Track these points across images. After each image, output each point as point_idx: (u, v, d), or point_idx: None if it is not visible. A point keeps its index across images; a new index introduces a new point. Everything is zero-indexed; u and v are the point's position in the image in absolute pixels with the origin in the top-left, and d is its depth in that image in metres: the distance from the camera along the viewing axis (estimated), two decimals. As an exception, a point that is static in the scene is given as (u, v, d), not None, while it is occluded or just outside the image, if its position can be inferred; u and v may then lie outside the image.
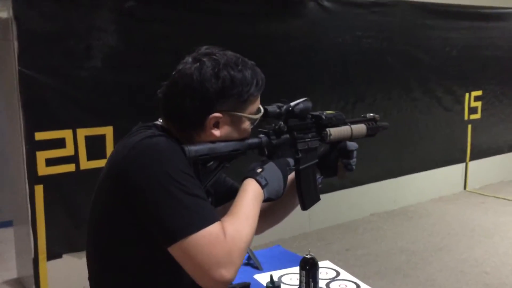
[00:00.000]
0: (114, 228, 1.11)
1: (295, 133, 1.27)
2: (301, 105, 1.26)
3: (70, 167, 3.11)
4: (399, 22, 4.66)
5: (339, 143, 1.35)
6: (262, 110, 1.20)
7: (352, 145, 1.35)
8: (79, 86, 3.12)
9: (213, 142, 1.15)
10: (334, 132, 1.33)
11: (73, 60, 3.08)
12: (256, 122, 1.21)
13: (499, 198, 5.32)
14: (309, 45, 4.14)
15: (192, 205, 1.03)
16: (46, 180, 3.03)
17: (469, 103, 5.34)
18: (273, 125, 1.25)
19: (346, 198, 4.50)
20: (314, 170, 1.33)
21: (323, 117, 1.31)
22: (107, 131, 3.25)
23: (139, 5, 3.29)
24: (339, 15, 4.28)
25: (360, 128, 1.40)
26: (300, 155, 1.28)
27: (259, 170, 1.17)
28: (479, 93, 5.40)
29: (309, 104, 1.27)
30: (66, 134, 3.09)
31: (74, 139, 3.11)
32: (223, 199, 1.34)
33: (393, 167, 4.77)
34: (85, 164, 3.15)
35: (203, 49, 1.18)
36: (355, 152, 1.35)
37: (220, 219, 1.06)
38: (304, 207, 1.32)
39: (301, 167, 1.28)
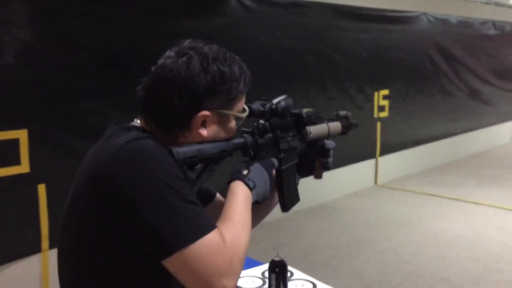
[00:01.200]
0: (98, 239, 0.98)
1: (278, 132, 1.21)
2: (283, 103, 1.21)
3: (-23, 176, 2.79)
4: (315, 23, 4.79)
5: (317, 141, 1.32)
6: (247, 109, 1.13)
7: (330, 143, 1.33)
8: (-13, 85, 2.81)
9: (200, 143, 1.06)
10: (314, 130, 1.30)
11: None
12: (242, 121, 1.14)
13: (407, 190, 5.69)
14: (231, 44, 4.04)
15: (189, 212, 0.94)
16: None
17: (378, 101, 5.63)
18: (256, 124, 1.19)
19: (269, 197, 4.53)
20: (294, 170, 1.29)
21: (304, 115, 1.27)
22: (21, 135, 2.95)
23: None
24: (260, 15, 4.30)
25: (336, 126, 1.39)
26: (282, 155, 1.23)
27: (245, 172, 1.11)
28: (386, 92, 5.72)
29: (291, 102, 1.23)
30: (-26, 139, 2.76)
31: (-18, 144, 2.79)
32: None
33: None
34: (-4, 171, 2.84)
35: (187, 42, 1.09)
36: (331, 151, 1.33)
37: (216, 226, 0.97)
38: (285, 209, 1.27)
39: (283, 167, 1.23)
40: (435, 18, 6.34)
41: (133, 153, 0.95)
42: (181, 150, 1.01)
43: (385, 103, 5.73)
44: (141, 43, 3.55)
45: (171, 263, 0.93)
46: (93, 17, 3.28)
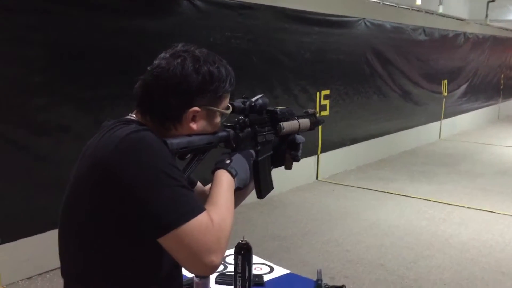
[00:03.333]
0: (100, 222, 1.10)
1: (256, 127, 1.37)
2: (260, 101, 1.36)
3: None
4: (263, 25, 4.99)
5: (289, 136, 1.49)
6: (230, 106, 1.29)
7: (300, 138, 1.50)
8: None
9: (189, 135, 1.21)
10: (286, 126, 1.45)
11: None
12: (226, 117, 1.29)
13: (346, 185, 6.02)
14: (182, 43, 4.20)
15: (182, 195, 1.08)
16: None
17: (320, 101, 5.92)
18: (237, 119, 1.34)
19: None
20: (269, 161, 1.45)
21: (278, 112, 1.43)
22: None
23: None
24: (211, 15, 4.43)
25: (305, 122, 1.55)
26: (259, 147, 1.38)
27: (228, 162, 1.25)
28: (327, 92, 6.02)
29: (267, 100, 1.38)
30: None
31: None
32: None
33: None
34: None
35: (180, 46, 1.22)
36: (301, 145, 1.50)
37: (206, 209, 1.12)
38: (261, 196, 1.43)
39: (259, 159, 1.39)
40: (372, 23, 6.73)
41: (135, 143, 1.08)
42: (175, 142, 1.15)
43: (326, 102, 6.03)
44: (94, 41, 3.59)
45: (167, 240, 1.06)
46: (46, 13, 3.29)
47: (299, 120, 1.52)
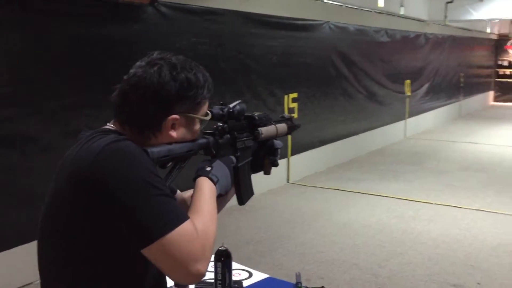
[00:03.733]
0: (83, 235, 1.08)
1: (235, 133, 1.37)
2: (238, 107, 1.36)
3: None
4: (229, 30, 5.00)
5: (267, 141, 1.49)
6: (209, 113, 1.28)
7: (278, 143, 1.50)
8: None
9: (169, 143, 1.19)
10: (265, 131, 1.45)
11: None
12: (206, 124, 1.28)
13: (316, 187, 6.08)
14: (149, 49, 4.11)
15: (166, 204, 1.07)
16: None
17: (288, 104, 5.96)
18: (216, 126, 1.33)
19: (190, 199, 4.64)
20: (249, 167, 1.44)
21: (256, 117, 1.43)
22: None
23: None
24: (177, 21, 4.41)
25: (283, 127, 1.56)
26: (239, 153, 1.38)
27: (208, 169, 1.25)
28: (295, 95, 6.07)
29: (244, 106, 1.38)
30: None
31: None
32: None
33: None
34: None
35: (156, 54, 1.21)
36: (279, 150, 1.51)
37: (190, 217, 1.11)
38: (242, 202, 1.43)
39: (239, 165, 1.38)
40: (336, 26, 6.83)
41: (115, 153, 1.06)
42: (155, 150, 1.14)
43: (294, 105, 6.07)
44: (59, 48, 3.52)
45: (152, 251, 1.05)
46: (10, 22, 3.20)
47: (276, 125, 1.52)
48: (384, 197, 5.61)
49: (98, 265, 1.11)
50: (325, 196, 5.69)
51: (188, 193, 1.36)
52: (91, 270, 1.11)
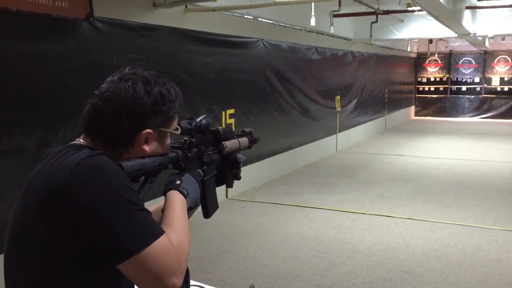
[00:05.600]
0: (59, 251, 1.05)
1: (202, 147, 1.38)
2: (204, 121, 1.37)
3: None
4: (166, 46, 4.98)
5: (231, 155, 1.51)
6: (179, 127, 1.29)
7: (241, 157, 1.53)
8: None
9: (142, 157, 1.19)
10: (229, 145, 1.48)
11: None
12: (175, 137, 1.29)
13: (255, 201, 6.13)
14: (84, 66, 4.07)
15: (142, 219, 1.06)
16: None
17: (225, 120, 6.00)
18: (184, 140, 1.34)
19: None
20: (214, 180, 1.46)
21: (221, 131, 1.45)
22: None
23: None
24: (112, 37, 4.33)
25: (245, 141, 1.59)
26: (205, 167, 1.39)
27: (178, 182, 1.25)
28: (232, 111, 6.13)
29: (210, 120, 1.40)
30: None
31: None
32: None
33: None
34: None
35: (128, 69, 1.21)
36: (241, 163, 1.53)
37: (165, 231, 1.10)
38: (208, 215, 1.44)
39: (205, 178, 1.39)
40: (270, 43, 7.00)
41: (91, 168, 1.05)
42: (129, 164, 1.14)
43: (231, 121, 6.13)
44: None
45: (128, 266, 1.03)
46: None
47: (239, 139, 1.55)
48: (321, 209, 5.77)
49: (75, 281, 1.08)
50: (264, 211, 5.75)
51: (154, 207, 1.35)
52: (67, 287, 1.08)
